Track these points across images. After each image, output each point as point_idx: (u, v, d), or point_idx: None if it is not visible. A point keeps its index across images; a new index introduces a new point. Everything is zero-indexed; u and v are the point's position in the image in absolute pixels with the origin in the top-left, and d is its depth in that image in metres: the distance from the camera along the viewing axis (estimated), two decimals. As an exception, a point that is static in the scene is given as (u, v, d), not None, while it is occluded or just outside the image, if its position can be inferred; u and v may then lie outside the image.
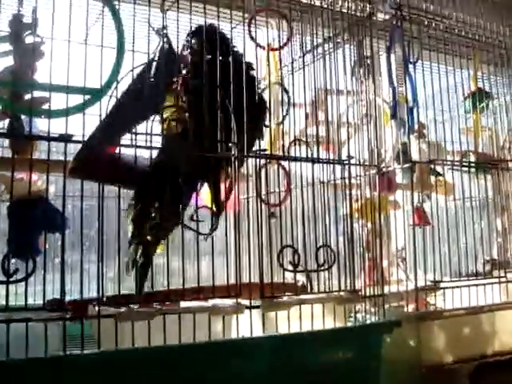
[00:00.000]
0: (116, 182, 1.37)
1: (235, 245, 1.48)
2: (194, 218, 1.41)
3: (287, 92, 1.68)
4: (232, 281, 1.47)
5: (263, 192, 1.57)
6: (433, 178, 2.04)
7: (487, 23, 2.30)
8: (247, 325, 1.43)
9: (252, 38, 1.62)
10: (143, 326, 1.29)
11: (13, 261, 1.23)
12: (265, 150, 1.55)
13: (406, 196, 2.02)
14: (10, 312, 1.19)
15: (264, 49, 1.68)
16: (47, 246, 1.31)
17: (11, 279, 1.19)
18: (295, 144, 1.63)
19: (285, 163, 1.62)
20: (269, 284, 1.51)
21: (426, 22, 2.10)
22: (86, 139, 1.35)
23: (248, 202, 1.76)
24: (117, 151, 1.41)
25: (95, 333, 1.28)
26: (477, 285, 1.89)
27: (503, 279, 1.98)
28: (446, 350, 1.78)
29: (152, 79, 1.48)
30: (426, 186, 1.97)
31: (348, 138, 1.79)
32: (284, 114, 1.66)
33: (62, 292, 1.23)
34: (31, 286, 1.23)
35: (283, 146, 1.62)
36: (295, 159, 1.62)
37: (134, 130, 1.39)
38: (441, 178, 2.06)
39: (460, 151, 2.14)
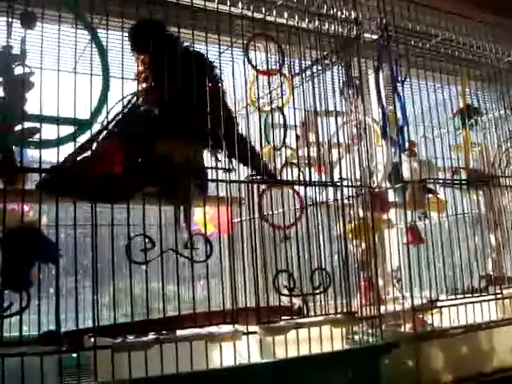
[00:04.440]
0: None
1: (230, 269, 1.48)
2: (189, 245, 1.40)
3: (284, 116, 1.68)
4: (228, 305, 1.47)
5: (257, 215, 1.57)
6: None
7: (474, 41, 2.33)
8: (244, 350, 1.42)
9: (250, 62, 1.63)
10: (140, 355, 1.27)
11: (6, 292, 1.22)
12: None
13: (400, 214, 2.02)
14: (4, 346, 1.17)
15: (263, 73, 1.69)
16: (41, 276, 1.29)
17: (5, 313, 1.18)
18: (287, 166, 1.64)
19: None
20: (265, 308, 1.50)
21: (412, 42, 2.12)
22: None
23: (242, 225, 1.76)
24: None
25: (91, 363, 1.26)
26: (473, 302, 1.88)
27: (499, 295, 1.98)
28: (445, 368, 1.77)
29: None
30: (419, 204, 1.97)
31: (339, 159, 1.80)
32: (281, 137, 1.66)
33: (57, 325, 1.22)
34: (26, 315, 1.22)
35: (275, 168, 1.62)
36: (288, 183, 1.62)
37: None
38: (432, 195, 2.06)
39: (451, 168, 2.15)
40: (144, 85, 1.54)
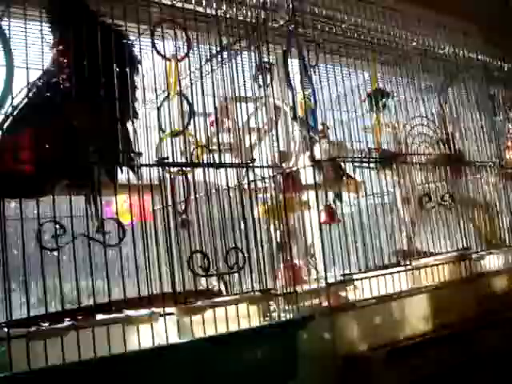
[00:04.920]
0: None
1: (144, 255, 1.49)
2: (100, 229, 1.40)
3: (190, 103, 1.70)
4: (145, 291, 1.48)
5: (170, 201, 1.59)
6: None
7: (383, 26, 2.41)
8: (163, 332, 1.44)
9: (156, 49, 1.64)
10: (56, 344, 1.27)
11: None
12: (167, 157, 1.56)
13: (319, 195, 2.07)
14: None
15: (169, 60, 1.69)
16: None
17: None
18: (200, 151, 1.66)
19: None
20: (182, 292, 1.52)
21: (319, 27, 2.18)
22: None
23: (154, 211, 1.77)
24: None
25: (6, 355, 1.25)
26: (384, 274, 1.97)
27: (409, 267, 2.08)
28: (360, 339, 1.84)
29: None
30: (334, 184, 2.03)
31: (255, 143, 1.83)
32: (186, 123, 1.68)
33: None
34: None
35: (186, 152, 1.64)
36: (198, 165, 1.65)
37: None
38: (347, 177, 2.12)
39: (361, 149, 2.22)
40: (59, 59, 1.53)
